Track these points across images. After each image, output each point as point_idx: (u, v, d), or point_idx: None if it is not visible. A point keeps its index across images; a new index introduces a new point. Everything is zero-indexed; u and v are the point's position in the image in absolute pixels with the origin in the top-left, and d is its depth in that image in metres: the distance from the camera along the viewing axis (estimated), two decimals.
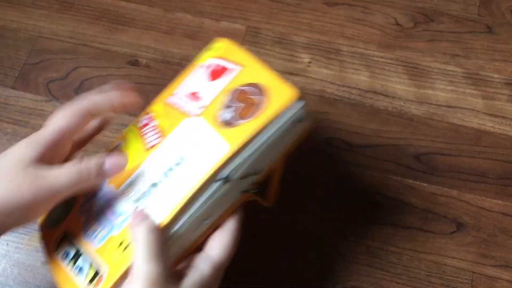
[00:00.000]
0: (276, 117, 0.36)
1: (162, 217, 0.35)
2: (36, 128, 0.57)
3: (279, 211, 0.52)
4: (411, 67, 0.60)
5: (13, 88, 0.60)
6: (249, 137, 0.35)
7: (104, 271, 0.36)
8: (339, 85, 0.59)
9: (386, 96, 0.59)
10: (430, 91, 0.59)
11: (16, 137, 0.57)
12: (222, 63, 0.40)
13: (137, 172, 0.38)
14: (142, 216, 0.36)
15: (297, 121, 0.38)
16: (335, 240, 0.51)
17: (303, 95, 0.37)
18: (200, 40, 0.62)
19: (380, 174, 0.54)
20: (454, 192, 0.53)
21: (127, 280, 0.35)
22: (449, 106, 0.58)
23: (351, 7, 0.65)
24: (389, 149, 0.56)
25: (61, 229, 0.39)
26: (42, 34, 0.64)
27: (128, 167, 0.38)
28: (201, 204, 0.36)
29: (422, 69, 0.60)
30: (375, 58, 0.61)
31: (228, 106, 0.37)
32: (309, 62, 0.61)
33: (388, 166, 0.55)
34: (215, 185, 0.36)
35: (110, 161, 0.36)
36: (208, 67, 0.41)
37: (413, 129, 0.57)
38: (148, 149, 0.39)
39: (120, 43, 0.62)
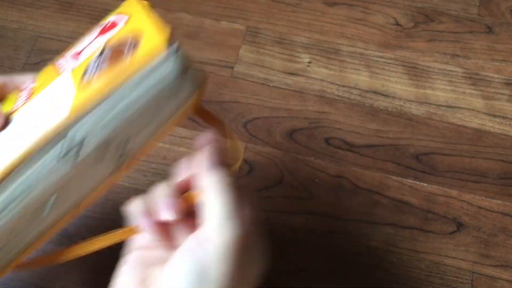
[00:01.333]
0: (136, 72, 0.28)
1: None
2: None
3: (278, 211, 0.52)
4: (411, 67, 0.60)
5: None
6: (92, 100, 0.28)
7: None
8: (339, 85, 0.59)
9: (386, 96, 0.59)
10: (430, 91, 0.59)
11: None
12: (115, 18, 0.34)
13: None
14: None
15: (173, 79, 0.29)
16: (335, 240, 0.51)
17: (175, 39, 0.29)
18: (200, 40, 0.62)
19: (380, 174, 0.54)
20: (454, 192, 0.53)
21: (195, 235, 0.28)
22: (449, 106, 0.58)
23: (351, 7, 0.65)
24: (389, 149, 0.56)
25: None
26: (42, 34, 0.64)
27: None
28: (28, 177, 0.29)
29: (422, 69, 0.60)
30: (375, 58, 0.61)
31: (96, 61, 0.31)
32: (309, 62, 0.61)
33: (388, 166, 0.55)
34: (49, 156, 0.29)
35: None
36: (101, 24, 0.35)
37: (413, 129, 0.57)
38: (11, 113, 0.33)
39: None
